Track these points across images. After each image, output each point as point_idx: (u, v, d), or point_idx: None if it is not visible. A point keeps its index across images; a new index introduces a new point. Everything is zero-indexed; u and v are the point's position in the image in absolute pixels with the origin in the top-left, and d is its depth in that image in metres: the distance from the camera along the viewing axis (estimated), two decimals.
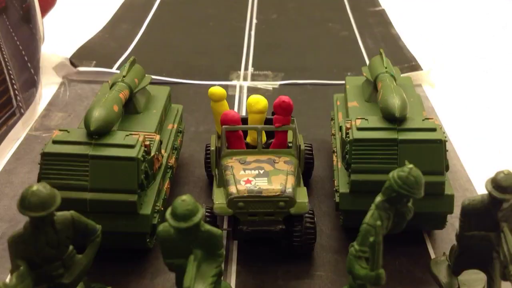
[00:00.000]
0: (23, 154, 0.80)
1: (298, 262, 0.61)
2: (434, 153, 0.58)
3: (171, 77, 1.03)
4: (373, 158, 0.59)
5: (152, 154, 0.59)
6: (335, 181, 0.64)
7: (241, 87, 1.01)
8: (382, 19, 1.34)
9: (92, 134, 0.57)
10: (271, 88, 1.01)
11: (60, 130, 0.59)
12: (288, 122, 0.64)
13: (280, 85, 1.02)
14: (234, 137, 0.63)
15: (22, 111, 0.86)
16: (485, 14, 1.38)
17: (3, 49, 0.84)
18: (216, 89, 0.67)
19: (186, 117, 0.90)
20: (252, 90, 1.00)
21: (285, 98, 0.63)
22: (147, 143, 0.58)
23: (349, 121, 0.63)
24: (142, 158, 0.56)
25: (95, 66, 1.03)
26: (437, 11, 1.40)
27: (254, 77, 1.04)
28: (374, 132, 0.59)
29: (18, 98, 0.86)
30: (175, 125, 0.71)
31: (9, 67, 0.85)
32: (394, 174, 0.46)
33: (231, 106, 0.94)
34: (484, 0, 1.45)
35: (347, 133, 0.61)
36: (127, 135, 0.58)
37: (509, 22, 1.33)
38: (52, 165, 0.56)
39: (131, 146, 0.56)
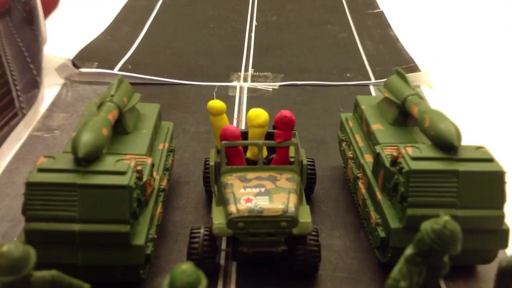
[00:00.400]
0: (25, 154, 0.81)
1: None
2: (494, 185, 0.54)
3: (172, 78, 1.03)
4: (431, 191, 0.54)
5: (145, 179, 0.55)
6: (372, 213, 0.59)
7: (241, 88, 1.01)
8: (381, 21, 1.35)
9: (80, 161, 0.52)
10: (271, 89, 1.01)
11: (46, 157, 0.54)
12: (289, 137, 0.61)
13: (280, 86, 1.02)
14: (234, 153, 0.61)
15: (24, 112, 0.87)
16: (485, 14, 1.38)
17: (5, 50, 0.85)
18: (216, 102, 0.64)
19: (187, 117, 0.91)
20: (252, 91, 1.00)
21: (286, 112, 0.60)
22: (139, 168, 0.54)
23: (393, 148, 0.58)
24: (134, 186, 0.52)
25: (97, 67, 1.04)
26: (436, 12, 1.40)
27: (254, 78, 1.05)
28: (431, 162, 0.54)
29: (21, 99, 0.87)
30: (166, 144, 0.68)
31: (11, 68, 0.86)
32: (427, 225, 0.41)
33: (231, 107, 0.95)
34: (484, 0, 1.46)
35: (395, 162, 0.56)
36: (117, 161, 0.53)
37: (509, 22, 1.33)
38: (37, 195, 0.51)
39: (122, 173, 0.52)
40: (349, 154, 0.69)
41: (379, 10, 1.41)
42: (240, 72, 1.07)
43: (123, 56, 1.11)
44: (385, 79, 1.02)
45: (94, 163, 0.53)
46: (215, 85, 1.02)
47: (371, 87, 1.02)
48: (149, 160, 0.58)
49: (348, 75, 1.06)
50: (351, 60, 1.13)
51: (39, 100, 0.93)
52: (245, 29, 1.29)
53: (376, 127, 0.65)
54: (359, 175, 0.65)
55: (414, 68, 1.06)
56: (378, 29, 1.30)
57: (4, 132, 0.81)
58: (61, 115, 0.92)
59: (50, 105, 0.95)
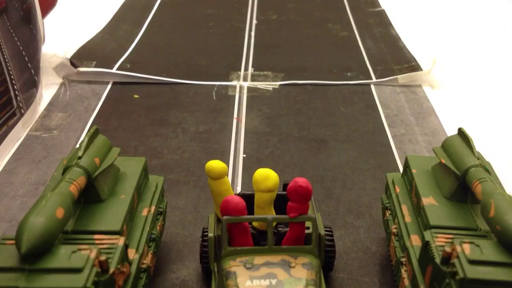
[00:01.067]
0: (23, 154, 0.80)
1: None
2: None
3: (172, 77, 1.03)
4: None
5: (112, 270, 0.44)
6: None
7: (241, 87, 1.01)
8: (382, 20, 1.34)
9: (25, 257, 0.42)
10: (271, 89, 1.01)
11: None
12: (305, 210, 0.50)
13: (280, 85, 1.02)
14: (238, 230, 0.50)
15: (22, 111, 0.87)
16: (485, 14, 1.38)
17: (3, 50, 0.84)
18: (215, 163, 0.53)
19: (186, 117, 0.91)
20: (252, 90, 1.00)
21: (302, 181, 0.49)
22: (103, 258, 0.43)
23: (447, 237, 0.48)
24: (92, 286, 0.41)
25: (95, 66, 1.04)
26: (437, 11, 1.40)
27: (254, 78, 1.04)
28: (494, 269, 0.43)
29: (19, 98, 0.86)
30: (153, 208, 0.56)
31: (9, 68, 0.85)
32: None
33: (231, 107, 0.94)
34: (484, 0, 1.45)
35: (447, 259, 0.45)
36: (73, 252, 0.43)
37: (509, 22, 1.33)
38: None
39: (78, 270, 0.41)
40: (393, 228, 0.57)
41: (380, 9, 1.41)
42: (240, 71, 1.07)
43: (121, 55, 1.10)
44: (386, 78, 1.04)
45: (44, 258, 0.42)
46: (215, 84, 1.02)
47: (372, 86, 1.01)
48: (120, 241, 0.46)
49: (348, 74, 1.05)
50: (352, 59, 1.13)
51: (37, 99, 0.92)
52: (245, 28, 1.29)
53: (428, 201, 0.53)
54: (403, 260, 0.53)
55: (416, 67, 1.06)
56: (379, 27, 1.29)
57: (2, 132, 0.81)
58: (59, 114, 0.91)
59: (48, 105, 0.94)
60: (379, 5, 1.43)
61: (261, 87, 1.01)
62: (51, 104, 0.94)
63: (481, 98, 0.99)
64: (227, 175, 0.55)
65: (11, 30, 0.88)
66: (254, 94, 0.99)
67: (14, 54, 0.88)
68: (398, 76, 1.03)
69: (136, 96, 0.97)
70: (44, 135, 0.85)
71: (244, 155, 0.80)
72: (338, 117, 0.91)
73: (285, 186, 0.56)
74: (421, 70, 1.04)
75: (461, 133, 0.56)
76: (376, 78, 1.03)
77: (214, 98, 0.97)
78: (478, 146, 0.77)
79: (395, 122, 0.89)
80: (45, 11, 1.06)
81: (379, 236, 0.65)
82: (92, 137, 0.54)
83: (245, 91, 1.00)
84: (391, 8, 1.40)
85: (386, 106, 0.95)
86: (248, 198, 0.53)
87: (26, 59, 0.92)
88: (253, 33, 1.26)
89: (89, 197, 0.52)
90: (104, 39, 1.19)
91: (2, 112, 0.82)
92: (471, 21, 1.33)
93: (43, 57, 0.99)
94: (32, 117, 0.89)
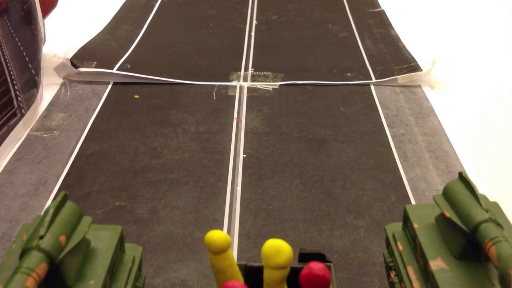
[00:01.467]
0: (24, 155, 0.81)
1: None
2: None
3: (172, 78, 1.03)
4: None
5: None
6: None
7: (241, 88, 1.01)
8: (382, 20, 1.34)
9: None
10: (271, 89, 1.01)
11: None
12: None
13: (280, 85, 1.02)
14: None
15: (23, 111, 0.87)
16: (486, 14, 1.38)
17: (4, 50, 0.85)
18: (216, 235, 0.42)
19: (186, 117, 0.91)
20: (252, 91, 1.00)
21: (318, 270, 0.39)
22: None
23: None
24: None
25: (96, 67, 1.04)
26: (437, 11, 1.40)
27: (254, 78, 1.05)
28: None
29: (19, 98, 0.87)
30: None
31: (10, 68, 0.86)
32: None
33: (231, 107, 0.94)
34: (484, 0, 1.46)
35: None
36: None
37: (509, 22, 1.33)
38: None
39: None
40: None
41: (380, 9, 1.41)
42: (240, 71, 1.07)
43: (122, 56, 1.10)
44: (385, 79, 1.04)
45: None
46: (215, 85, 1.02)
47: (372, 87, 1.02)
48: None
49: (348, 74, 1.05)
50: (352, 59, 1.13)
51: (37, 100, 0.92)
52: (245, 28, 1.29)
53: (437, 265, 0.47)
54: None
55: (416, 68, 1.06)
56: (379, 28, 1.29)
57: (3, 132, 0.81)
58: (60, 115, 0.92)
59: (49, 105, 0.94)
60: (379, 6, 1.44)
61: (261, 87, 1.02)
62: (51, 104, 0.95)
63: (481, 98, 0.99)
64: (230, 239, 0.45)
65: (12, 31, 0.89)
66: (254, 95, 0.99)
67: (15, 54, 0.88)
68: (398, 77, 1.03)
69: (136, 96, 0.97)
70: (44, 135, 0.86)
71: (244, 155, 0.80)
72: (338, 117, 0.91)
73: (301, 256, 0.47)
74: (421, 70, 1.04)
75: (462, 177, 0.49)
76: (376, 79, 1.04)
77: (214, 98, 0.98)
78: (478, 146, 0.77)
79: (395, 122, 0.89)
80: (46, 11, 1.06)
81: (378, 236, 0.65)
82: (59, 207, 0.43)
83: (245, 92, 1.00)
84: (391, 9, 1.40)
85: (385, 106, 0.95)
86: (257, 273, 0.45)
87: (27, 59, 0.92)
88: (253, 34, 1.26)
89: (52, 284, 0.42)
90: (104, 39, 1.19)
91: (2, 112, 0.82)
92: (471, 21, 1.33)
93: (44, 57, 1.00)
94: (32, 117, 0.89)
